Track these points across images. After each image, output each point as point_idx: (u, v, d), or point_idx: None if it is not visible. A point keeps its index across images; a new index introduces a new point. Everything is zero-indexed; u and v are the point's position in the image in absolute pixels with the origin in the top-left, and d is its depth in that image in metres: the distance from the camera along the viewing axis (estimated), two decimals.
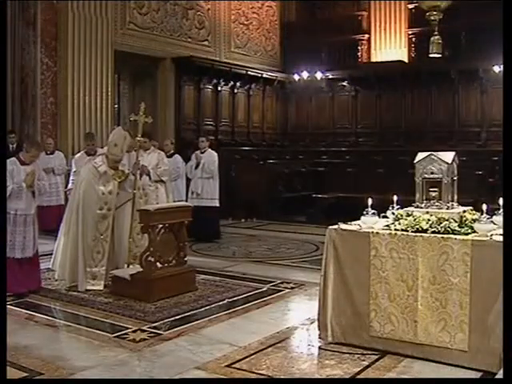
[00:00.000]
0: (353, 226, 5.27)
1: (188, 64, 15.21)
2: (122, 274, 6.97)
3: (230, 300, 6.75)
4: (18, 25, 11.79)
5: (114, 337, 5.44)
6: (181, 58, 15.12)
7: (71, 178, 10.07)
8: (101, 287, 7.11)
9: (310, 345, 5.32)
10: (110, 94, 13.11)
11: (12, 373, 4.54)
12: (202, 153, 11.11)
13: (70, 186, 9.85)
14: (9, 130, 11.27)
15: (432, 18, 8.52)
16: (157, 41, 14.57)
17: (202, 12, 15.99)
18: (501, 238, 4.38)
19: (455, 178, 5.40)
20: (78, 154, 10.59)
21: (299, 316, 6.19)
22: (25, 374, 4.54)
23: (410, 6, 16.67)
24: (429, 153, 5.33)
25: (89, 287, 7.11)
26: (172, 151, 11.23)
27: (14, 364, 4.72)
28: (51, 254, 7.69)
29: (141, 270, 6.78)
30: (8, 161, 6.71)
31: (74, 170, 10.05)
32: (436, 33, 8.82)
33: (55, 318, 6.09)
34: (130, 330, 5.62)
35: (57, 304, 6.57)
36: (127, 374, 4.58)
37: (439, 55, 9.13)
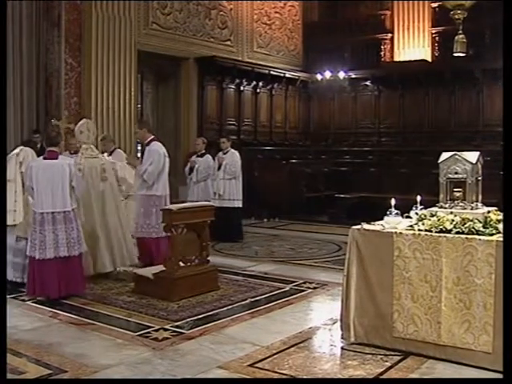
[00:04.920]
0: (376, 226, 5.24)
1: (211, 64, 15.22)
2: (144, 273, 7.01)
3: (252, 299, 6.75)
4: (42, 25, 11.88)
5: (137, 335, 5.47)
6: (203, 58, 15.13)
7: None
8: None
9: (333, 345, 5.31)
10: (133, 93, 13.16)
11: (36, 370, 4.61)
12: (225, 153, 11.13)
13: None
14: (33, 130, 11.37)
15: (456, 16, 8.47)
16: (179, 41, 14.60)
17: (224, 12, 16.00)
18: None
19: (479, 178, 5.35)
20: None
21: (322, 316, 6.18)
22: (49, 372, 4.58)
23: (434, 5, 16.53)
24: (453, 153, 5.28)
25: None
26: (203, 151, 11.24)
27: (38, 361, 4.79)
28: None
29: (163, 269, 6.81)
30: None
31: None
32: (460, 31, 8.76)
33: (79, 316, 6.12)
34: (152, 329, 5.65)
35: (80, 302, 6.61)
36: (150, 372, 4.60)
37: (463, 54, 9.06)
